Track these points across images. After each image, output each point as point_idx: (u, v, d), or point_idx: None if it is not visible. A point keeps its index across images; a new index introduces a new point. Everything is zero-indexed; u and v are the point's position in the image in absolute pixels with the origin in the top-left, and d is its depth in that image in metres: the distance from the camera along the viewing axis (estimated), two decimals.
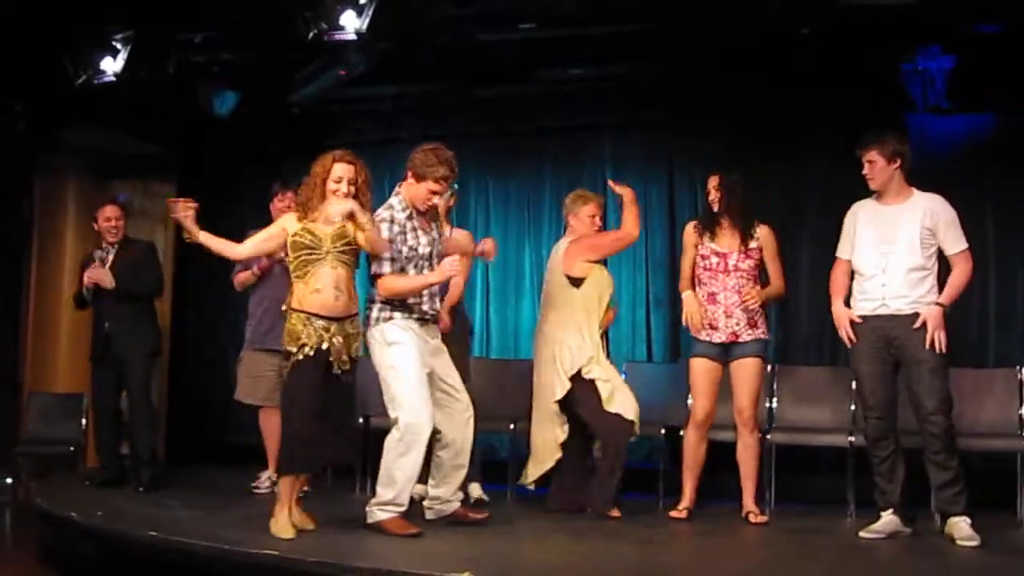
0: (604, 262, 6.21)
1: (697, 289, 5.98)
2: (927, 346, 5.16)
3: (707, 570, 4.71)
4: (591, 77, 7.97)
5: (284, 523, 5.00)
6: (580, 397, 5.92)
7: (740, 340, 5.87)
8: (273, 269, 6.64)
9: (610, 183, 6.18)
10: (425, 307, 5.31)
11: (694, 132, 7.97)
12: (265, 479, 6.83)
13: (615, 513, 5.84)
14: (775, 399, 6.74)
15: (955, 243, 5.29)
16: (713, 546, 5.31)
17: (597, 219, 6.20)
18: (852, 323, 5.38)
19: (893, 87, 6.95)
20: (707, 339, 5.92)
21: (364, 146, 9.01)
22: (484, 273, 8.45)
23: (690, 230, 6.09)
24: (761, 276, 5.99)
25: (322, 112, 8.52)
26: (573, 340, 5.95)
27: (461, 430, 5.35)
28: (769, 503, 6.23)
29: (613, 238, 6.18)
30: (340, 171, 5.11)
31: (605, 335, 6.30)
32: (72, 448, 8.07)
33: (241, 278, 6.83)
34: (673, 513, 5.96)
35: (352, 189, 5.10)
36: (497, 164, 8.62)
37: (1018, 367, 6.42)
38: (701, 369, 5.94)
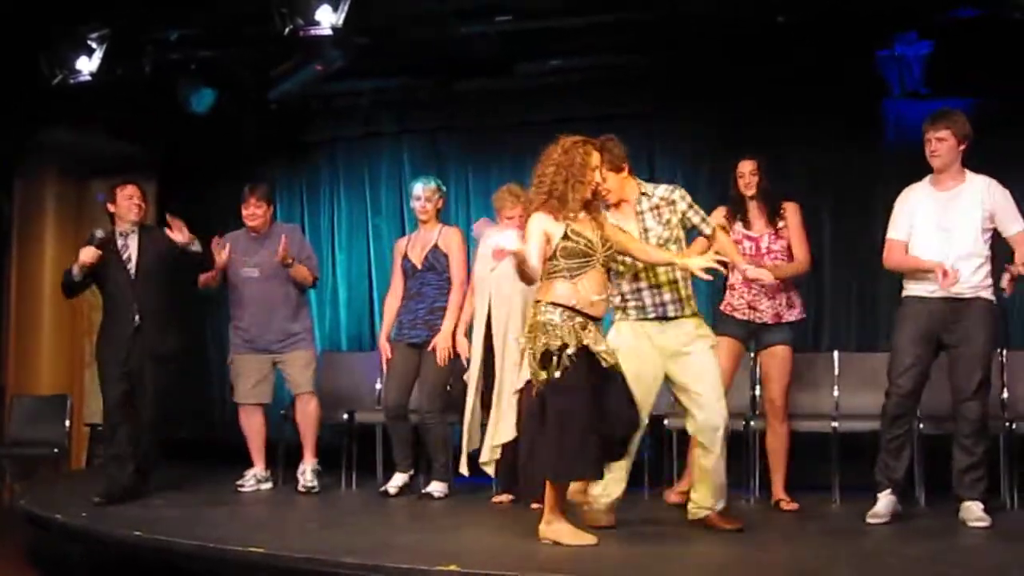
0: None
1: (731, 275, 5.90)
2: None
3: (694, 556, 4.72)
4: (569, 69, 7.94)
5: (570, 530, 4.71)
6: None
7: (769, 324, 5.91)
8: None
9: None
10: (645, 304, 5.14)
11: (674, 123, 7.97)
12: (250, 477, 6.81)
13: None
14: (758, 385, 6.74)
15: (1014, 222, 5.22)
16: (699, 533, 5.32)
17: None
18: (910, 301, 5.33)
19: (870, 74, 6.96)
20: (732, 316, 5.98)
21: (344, 141, 9.06)
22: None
23: (722, 213, 6.04)
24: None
25: (301, 108, 8.51)
26: None
27: (707, 435, 5.09)
28: (754, 490, 6.26)
29: None
30: (598, 160, 4.79)
31: None
32: (56, 450, 8.05)
33: (203, 279, 6.81)
34: (674, 497, 6.00)
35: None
36: (477, 158, 8.60)
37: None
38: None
